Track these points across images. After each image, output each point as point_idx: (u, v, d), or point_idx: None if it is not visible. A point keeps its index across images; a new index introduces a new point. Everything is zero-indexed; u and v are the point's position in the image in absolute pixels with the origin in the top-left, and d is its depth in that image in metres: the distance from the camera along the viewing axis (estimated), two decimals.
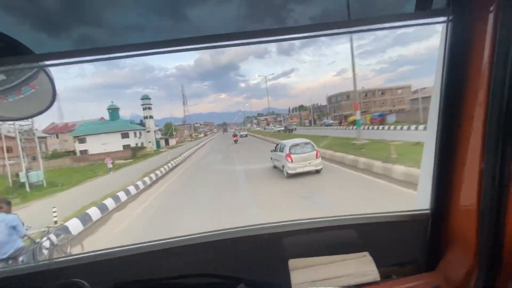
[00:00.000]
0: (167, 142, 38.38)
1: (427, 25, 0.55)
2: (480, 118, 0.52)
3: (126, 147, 28.93)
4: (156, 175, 10.57)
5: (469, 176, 0.57)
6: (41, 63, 0.70)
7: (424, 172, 0.71)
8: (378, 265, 0.68)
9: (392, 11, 0.54)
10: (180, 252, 0.72)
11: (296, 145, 7.30)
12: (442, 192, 0.64)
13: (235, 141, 21.61)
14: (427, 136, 0.69)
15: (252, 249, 0.75)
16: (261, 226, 0.75)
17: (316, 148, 7.31)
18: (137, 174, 10.78)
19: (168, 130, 42.07)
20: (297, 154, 7.06)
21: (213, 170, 10.84)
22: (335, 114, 46.84)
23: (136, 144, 30.42)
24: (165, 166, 12.14)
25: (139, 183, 8.82)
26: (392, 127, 19.41)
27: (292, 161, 6.99)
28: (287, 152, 7.09)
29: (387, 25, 0.53)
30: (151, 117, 36.44)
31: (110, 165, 15.34)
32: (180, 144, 38.13)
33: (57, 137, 33.08)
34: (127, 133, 30.62)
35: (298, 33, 0.54)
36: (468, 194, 0.58)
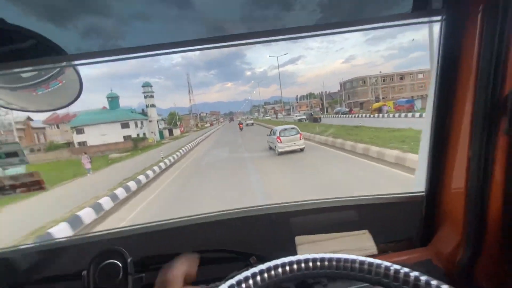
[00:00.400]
0: (171, 133, 37.08)
1: (423, 23, 0.64)
2: (469, 109, 0.62)
3: (126, 138, 28.33)
4: (138, 182, 8.23)
5: (458, 162, 0.68)
6: (71, 63, 0.82)
7: (421, 157, 0.82)
8: (377, 242, 0.80)
9: (389, 11, 0.63)
10: (196, 230, 0.86)
11: (285, 130, 10.01)
12: (435, 176, 0.75)
13: (241, 129, 28.24)
14: (424, 123, 0.79)
15: (262, 227, 0.88)
16: (270, 206, 0.88)
17: (300, 132, 9.85)
18: (120, 176, 8.99)
19: (172, 119, 41.20)
20: (285, 136, 9.71)
21: (220, 167, 9.71)
22: (349, 101, 45.21)
23: (138, 135, 29.64)
24: (155, 168, 10.20)
25: (105, 200, 6.31)
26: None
27: (281, 142, 9.62)
28: (278, 135, 9.81)
29: (385, 24, 0.62)
30: (153, 105, 34.88)
31: (88, 165, 13.70)
32: (185, 134, 37.74)
33: (58, 128, 33.03)
34: (127, 123, 29.87)
35: (300, 32, 0.63)
36: (457, 178, 0.69)
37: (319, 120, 26.87)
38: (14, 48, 0.77)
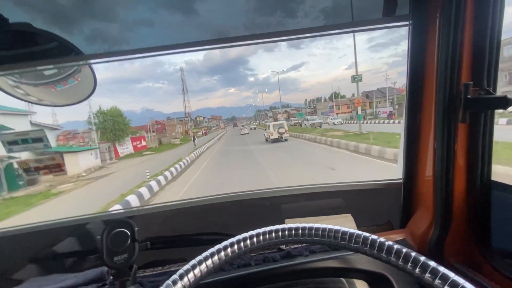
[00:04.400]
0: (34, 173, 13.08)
1: (393, 28, 0.76)
2: (432, 103, 0.74)
3: None
4: None
5: (427, 151, 0.81)
6: (87, 62, 0.96)
7: (401, 147, 0.94)
8: (359, 225, 0.91)
9: (360, 17, 0.76)
10: (194, 212, 0.99)
11: (243, 126, 51.74)
12: (410, 165, 0.87)
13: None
14: (404, 118, 0.91)
15: (255, 211, 1.01)
16: (263, 191, 1.01)
17: (250, 127, 48.95)
18: None
19: (109, 129, 21.27)
20: (243, 128, 44.03)
21: None
22: None
23: None
24: None
25: None
26: None
27: (241, 129, 43.03)
28: (240, 128, 50.22)
29: (358, 28, 0.75)
30: None
31: None
32: (113, 164, 18.71)
33: None
34: None
35: (285, 35, 0.77)
36: (427, 166, 0.81)
37: None
38: (38, 49, 0.92)
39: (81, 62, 0.99)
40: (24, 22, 0.86)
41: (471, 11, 0.66)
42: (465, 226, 0.77)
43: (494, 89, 0.67)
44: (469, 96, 0.66)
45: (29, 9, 0.99)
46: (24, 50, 0.90)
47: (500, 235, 0.73)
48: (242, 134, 34.73)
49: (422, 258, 0.41)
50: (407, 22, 0.76)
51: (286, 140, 18.52)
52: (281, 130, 18.49)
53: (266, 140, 19.71)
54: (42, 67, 0.95)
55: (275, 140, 18.50)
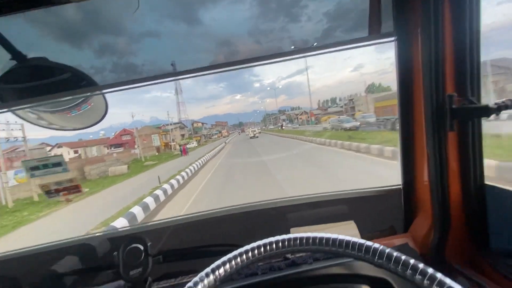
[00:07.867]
0: None
1: (380, 43, 0.84)
2: (421, 112, 0.81)
3: None
4: None
5: (421, 158, 0.88)
6: (99, 92, 1.06)
7: (399, 155, 1.00)
8: (363, 231, 0.97)
9: (348, 36, 0.84)
10: (202, 225, 1.07)
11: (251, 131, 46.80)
12: (407, 171, 0.94)
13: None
14: (398, 125, 0.97)
15: (261, 221, 1.08)
16: (268, 201, 1.08)
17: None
18: None
19: None
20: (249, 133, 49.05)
21: None
22: None
23: None
24: None
25: None
26: None
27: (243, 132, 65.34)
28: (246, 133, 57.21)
29: (348, 46, 0.83)
30: None
31: None
32: None
33: None
34: None
35: (282, 57, 0.86)
36: (422, 172, 0.87)
37: None
38: (54, 80, 1.02)
39: (95, 92, 1.08)
40: (41, 56, 0.97)
41: (450, 25, 0.74)
42: (463, 229, 0.82)
43: (478, 98, 0.73)
44: (454, 106, 0.72)
45: (45, 44, 1.11)
46: (41, 82, 1.01)
47: (498, 236, 0.78)
48: (247, 135, 50.53)
49: (421, 265, 0.42)
50: (392, 38, 0.84)
51: (257, 137, 36.85)
52: (255, 132, 40.11)
53: (249, 137, 37.86)
54: (59, 99, 1.05)
55: (252, 137, 36.86)
